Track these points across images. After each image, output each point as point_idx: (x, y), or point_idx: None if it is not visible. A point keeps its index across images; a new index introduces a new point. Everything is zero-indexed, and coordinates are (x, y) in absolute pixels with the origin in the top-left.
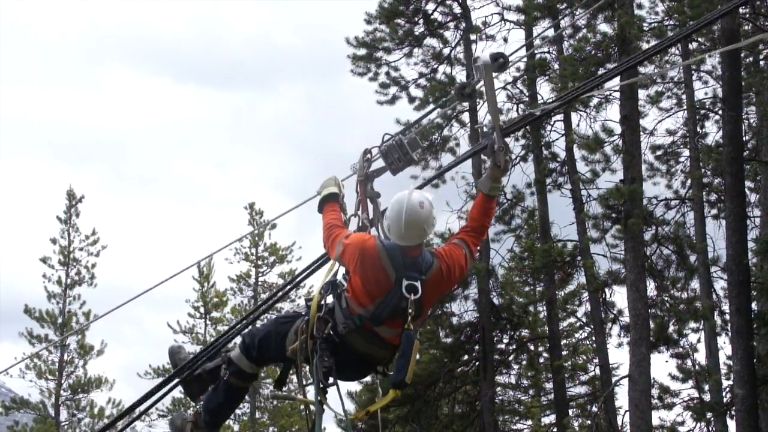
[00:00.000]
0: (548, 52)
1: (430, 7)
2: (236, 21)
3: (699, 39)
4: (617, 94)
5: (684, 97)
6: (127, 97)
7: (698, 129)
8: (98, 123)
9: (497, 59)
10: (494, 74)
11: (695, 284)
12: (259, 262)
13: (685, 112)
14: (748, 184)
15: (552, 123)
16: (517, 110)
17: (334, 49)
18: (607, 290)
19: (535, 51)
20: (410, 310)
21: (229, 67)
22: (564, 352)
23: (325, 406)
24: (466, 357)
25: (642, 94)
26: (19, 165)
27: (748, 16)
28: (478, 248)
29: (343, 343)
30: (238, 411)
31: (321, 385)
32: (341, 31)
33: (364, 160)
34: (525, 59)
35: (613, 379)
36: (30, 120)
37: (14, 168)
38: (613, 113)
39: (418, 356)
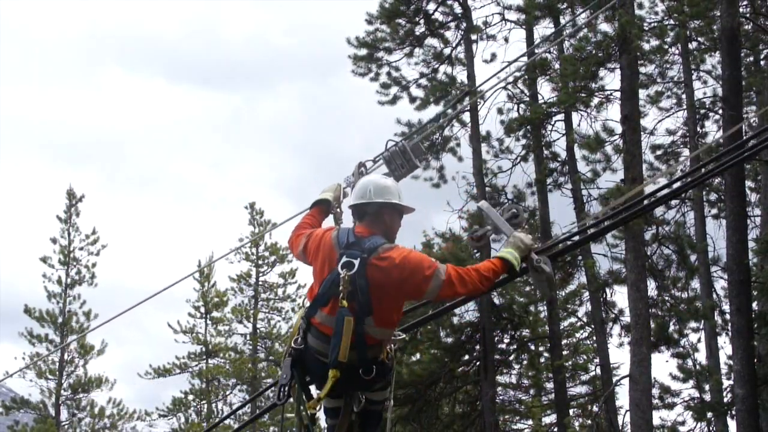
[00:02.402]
0: (549, 52)
1: (431, 7)
2: (233, 21)
3: (699, 39)
4: (618, 94)
5: (684, 96)
6: (124, 98)
7: (698, 129)
8: (96, 123)
9: (514, 218)
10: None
11: (695, 284)
12: (260, 262)
13: (685, 111)
14: (748, 183)
15: (553, 123)
16: (518, 110)
17: (332, 50)
18: (607, 290)
19: (535, 51)
20: (341, 287)
21: (227, 68)
22: (565, 352)
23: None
24: (466, 357)
25: (642, 94)
26: (18, 165)
27: (748, 15)
28: (466, 288)
29: (307, 347)
30: (239, 411)
31: (280, 401)
32: (339, 32)
33: (359, 173)
34: (525, 58)
35: (614, 379)
36: (28, 120)
37: (13, 168)
38: (613, 113)
39: (417, 357)
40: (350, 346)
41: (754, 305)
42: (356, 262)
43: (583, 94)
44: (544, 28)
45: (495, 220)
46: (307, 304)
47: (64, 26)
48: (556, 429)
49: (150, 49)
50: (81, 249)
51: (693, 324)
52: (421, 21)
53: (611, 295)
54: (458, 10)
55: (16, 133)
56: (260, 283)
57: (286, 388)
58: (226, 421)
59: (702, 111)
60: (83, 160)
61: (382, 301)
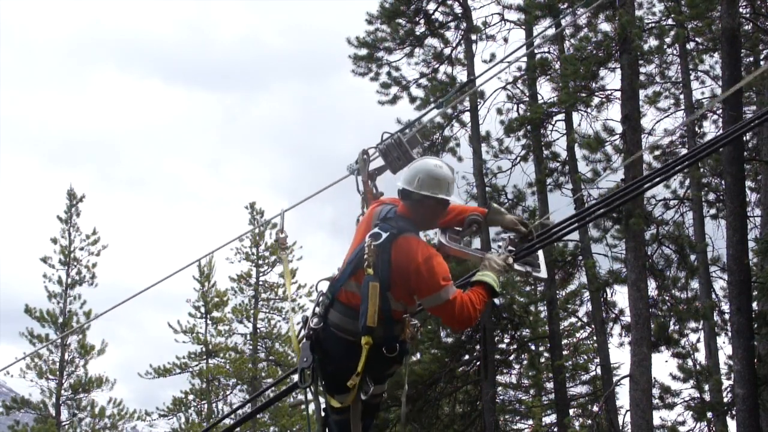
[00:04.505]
0: (549, 52)
1: (431, 7)
2: (227, 22)
3: (697, 39)
4: (618, 94)
5: (682, 97)
6: (119, 99)
7: (697, 129)
8: (91, 124)
9: (470, 225)
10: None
11: (695, 284)
12: (260, 262)
13: (684, 112)
14: (748, 183)
15: (553, 123)
16: (518, 110)
17: (326, 50)
18: (607, 290)
19: (536, 51)
20: (366, 255)
21: (221, 69)
22: (565, 352)
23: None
24: (467, 357)
25: (641, 94)
26: (16, 166)
27: (748, 15)
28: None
29: (326, 327)
30: (239, 411)
31: (303, 385)
32: (333, 32)
33: (363, 161)
34: (525, 59)
35: (614, 379)
36: (25, 121)
37: (11, 169)
38: (614, 113)
39: (417, 357)
40: (377, 321)
41: (754, 305)
42: (384, 235)
43: (583, 94)
44: (544, 28)
45: (461, 251)
46: (323, 285)
47: (60, 28)
48: (556, 429)
49: (145, 51)
50: (81, 249)
51: (693, 324)
52: (421, 21)
53: (611, 295)
54: (458, 10)
55: (14, 134)
56: (260, 283)
57: (308, 372)
58: (226, 421)
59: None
60: (80, 161)
61: (400, 281)
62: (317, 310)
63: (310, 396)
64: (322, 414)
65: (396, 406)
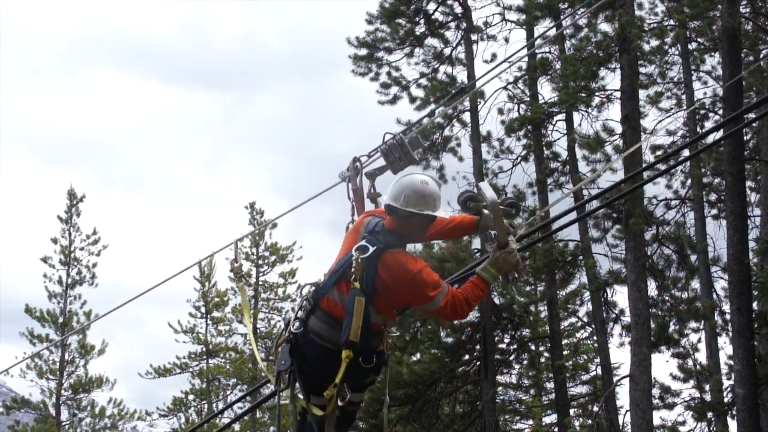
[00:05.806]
0: (549, 52)
1: (431, 7)
2: (225, 22)
3: (699, 39)
4: (618, 94)
5: (684, 97)
6: (118, 99)
7: (698, 129)
8: (90, 125)
9: (511, 206)
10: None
11: (696, 284)
12: (260, 262)
13: (685, 112)
14: (748, 183)
15: (553, 123)
16: (519, 110)
17: (324, 50)
18: (608, 290)
19: (536, 51)
20: (353, 269)
21: (219, 69)
22: (565, 352)
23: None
24: (467, 357)
25: (642, 94)
26: (16, 166)
27: (748, 15)
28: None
29: (305, 333)
30: (239, 411)
31: (280, 387)
32: (331, 32)
33: (354, 168)
34: (526, 59)
35: (614, 379)
36: (24, 122)
37: (11, 170)
38: (614, 113)
39: (417, 357)
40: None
41: (755, 305)
42: (371, 249)
43: (583, 94)
44: (544, 28)
45: (500, 223)
46: (308, 289)
47: (59, 28)
48: (556, 429)
49: (144, 51)
50: (81, 249)
51: (693, 324)
52: (421, 21)
53: (612, 295)
54: (458, 10)
55: (14, 134)
56: (260, 283)
57: (286, 375)
58: (225, 420)
59: (702, 111)
60: (80, 161)
61: (383, 295)
62: (299, 314)
63: (286, 400)
64: (298, 418)
65: (396, 407)
